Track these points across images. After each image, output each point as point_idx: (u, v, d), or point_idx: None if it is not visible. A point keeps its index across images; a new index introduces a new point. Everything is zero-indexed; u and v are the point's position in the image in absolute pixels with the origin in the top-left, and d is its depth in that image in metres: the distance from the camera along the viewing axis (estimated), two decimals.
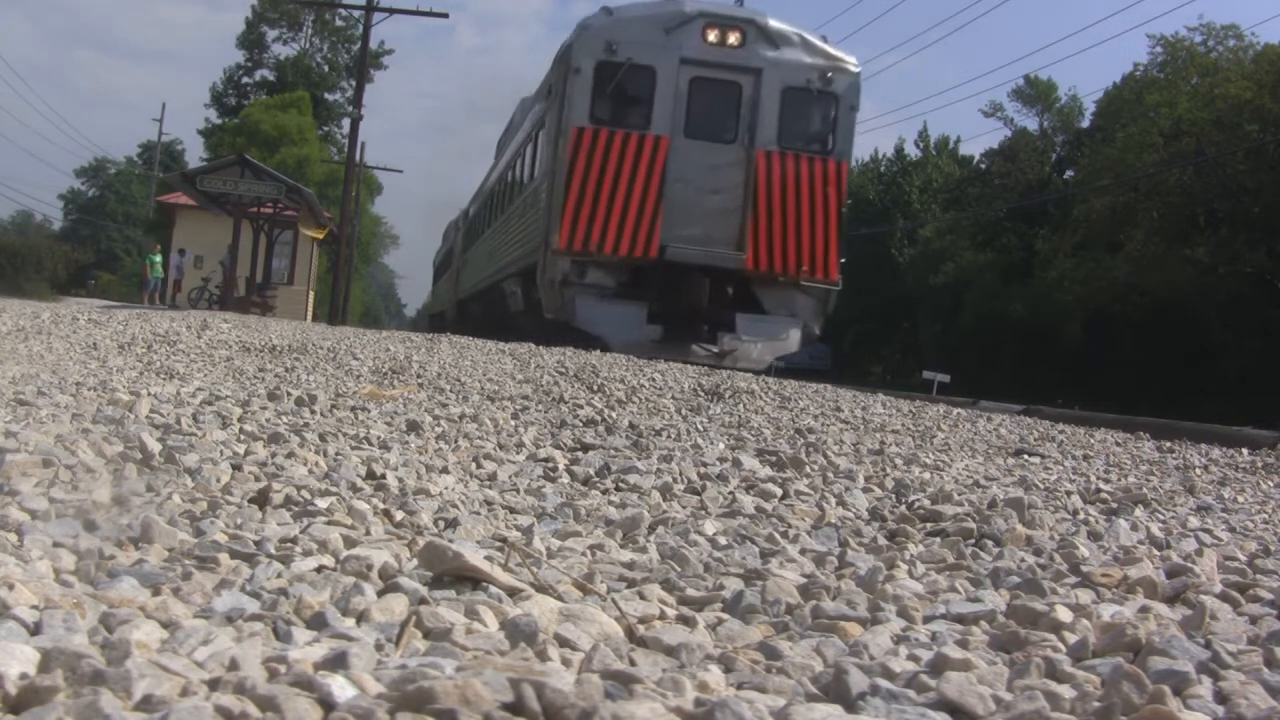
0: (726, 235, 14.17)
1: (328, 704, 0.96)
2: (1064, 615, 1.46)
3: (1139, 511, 2.68)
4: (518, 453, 3.01)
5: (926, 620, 1.50)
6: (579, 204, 13.92)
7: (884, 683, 1.14)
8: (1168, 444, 4.93)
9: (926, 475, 3.11)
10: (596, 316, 13.71)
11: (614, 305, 13.86)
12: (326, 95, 56.02)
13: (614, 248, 13.83)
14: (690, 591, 1.60)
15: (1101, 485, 3.14)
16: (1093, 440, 4.84)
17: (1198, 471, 3.87)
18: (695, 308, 13.97)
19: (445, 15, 26.71)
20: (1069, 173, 42.65)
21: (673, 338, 13.76)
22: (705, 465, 2.97)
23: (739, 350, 13.80)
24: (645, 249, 13.80)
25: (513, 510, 2.21)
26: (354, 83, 32.03)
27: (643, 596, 1.55)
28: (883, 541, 2.14)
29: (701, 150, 14.28)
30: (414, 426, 3.32)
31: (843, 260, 14.66)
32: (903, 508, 2.45)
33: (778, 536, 2.09)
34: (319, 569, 1.54)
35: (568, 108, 14.28)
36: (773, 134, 14.32)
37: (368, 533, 1.83)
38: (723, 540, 2.03)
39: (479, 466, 2.72)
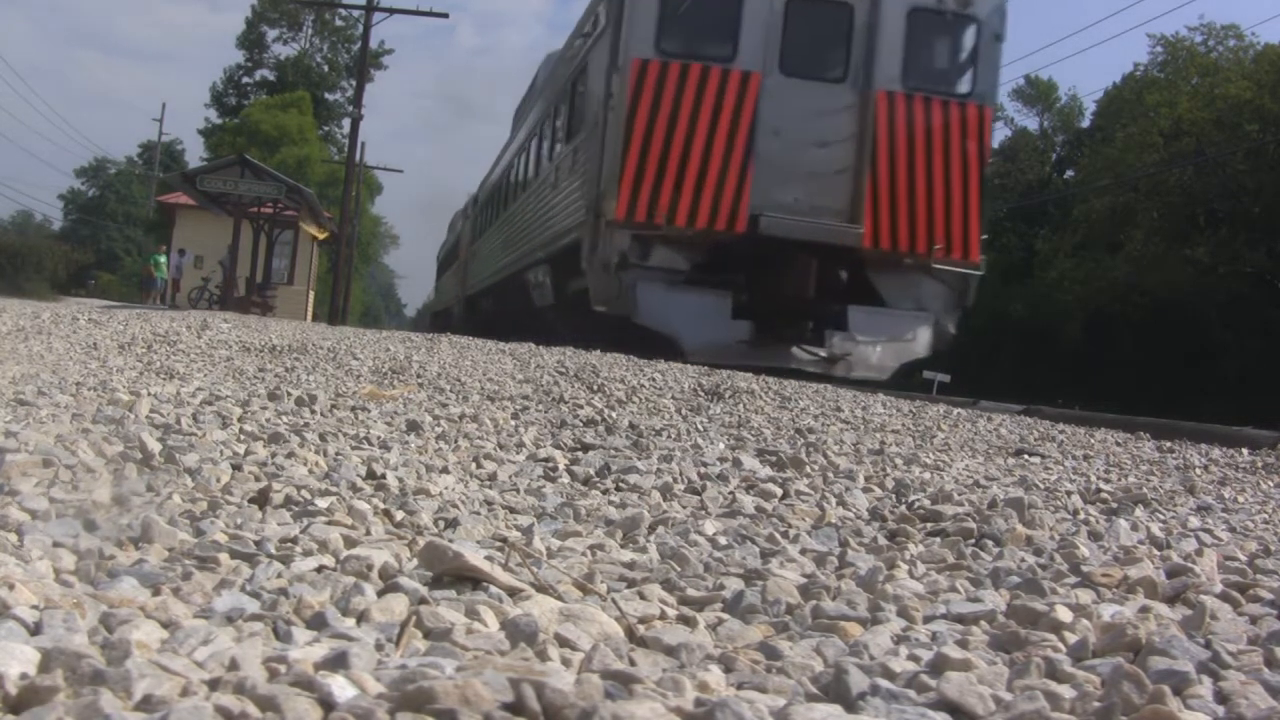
0: (836, 202, 10.86)
1: (328, 704, 0.96)
2: (1064, 615, 1.46)
3: (1139, 511, 2.68)
4: (518, 453, 3.01)
5: (926, 620, 1.50)
6: (642, 162, 10.50)
7: (884, 683, 1.14)
8: (1168, 444, 4.93)
9: (926, 475, 3.11)
10: (666, 309, 10.41)
11: (688, 295, 10.49)
12: (326, 95, 56.04)
13: (689, 218, 10.50)
14: (690, 591, 1.60)
15: (1101, 485, 3.14)
16: (1093, 440, 4.84)
17: (1198, 471, 3.87)
18: (797, 298, 10.61)
19: (445, 15, 26.74)
20: (1069, 173, 42.67)
21: (766, 338, 10.55)
22: (705, 465, 2.97)
23: (854, 355, 10.66)
24: (730, 220, 10.49)
25: (513, 510, 2.21)
26: (354, 83, 32.04)
27: (643, 596, 1.55)
28: (883, 541, 2.14)
29: (803, 91, 10.88)
30: (414, 426, 3.32)
31: (984, 237, 11.30)
32: (903, 508, 2.45)
33: (778, 536, 2.09)
34: (319, 569, 1.54)
35: (626, 36, 10.78)
36: (895, 70, 10.95)
37: (368, 533, 1.83)
38: (723, 540, 2.03)
39: (479, 466, 2.72)
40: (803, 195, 10.82)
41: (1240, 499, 3.14)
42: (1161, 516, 2.65)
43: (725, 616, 1.49)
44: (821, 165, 10.90)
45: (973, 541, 2.13)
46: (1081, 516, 2.55)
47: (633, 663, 1.22)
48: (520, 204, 17.95)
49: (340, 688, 0.98)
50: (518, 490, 2.43)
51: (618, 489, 2.56)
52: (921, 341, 11.11)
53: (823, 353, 10.68)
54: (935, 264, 10.99)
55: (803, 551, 1.95)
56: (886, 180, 10.80)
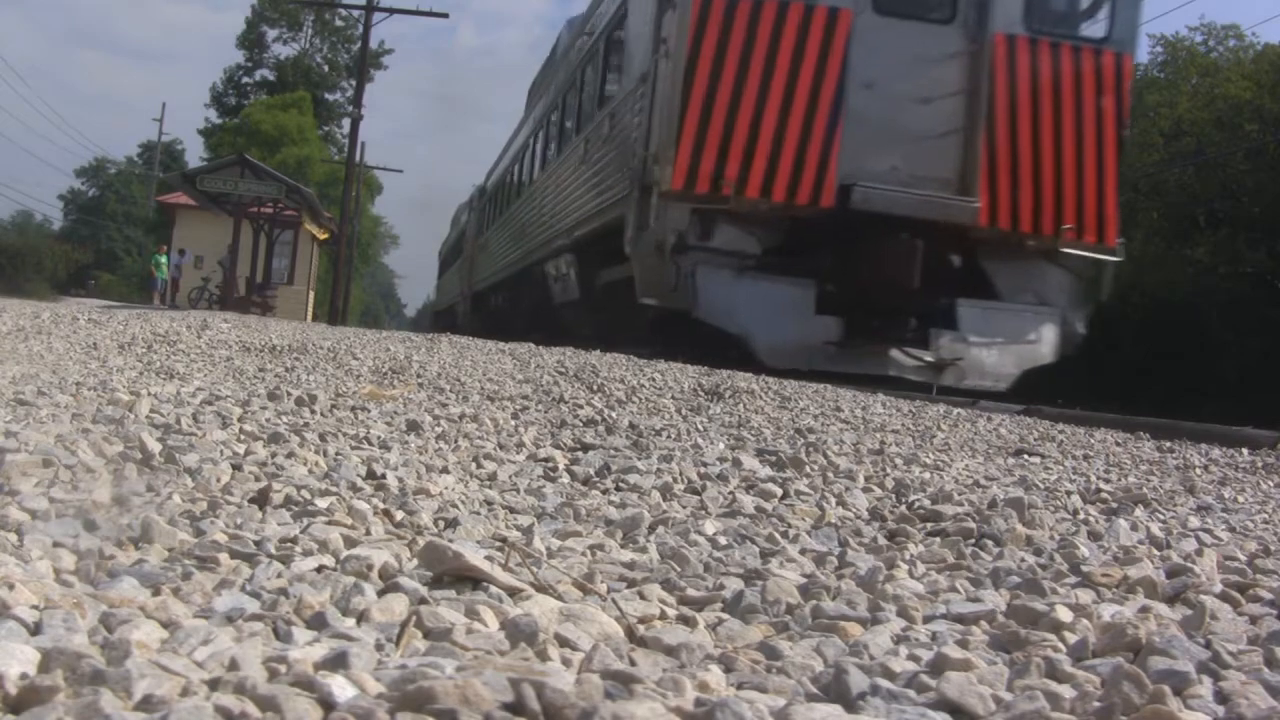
0: (942, 171, 8.96)
1: (328, 704, 0.96)
2: (1064, 615, 1.46)
3: (1139, 511, 2.68)
4: (518, 453, 3.01)
5: (926, 620, 1.50)
6: (705, 118, 8.57)
7: (884, 683, 1.14)
8: (1168, 444, 4.92)
9: (926, 475, 3.11)
10: (734, 302, 8.54)
11: (762, 284, 8.62)
12: (326, 95, 56.09)
13: (762, 189, 8.56)
14: (690, 591, 1.60)
15: (1101, 485, 3.14)
16: (1093, 440, 4.84)
17: (1198, 471, 3.87)
18: (900, 288, 8.68)
19: (445, 15, 26.82)
20: None
21: (859, 339, 8.78)
22: (705, 465, 2.97)
23: (967, 359, 8.86)
24: (814, 192, 8.59)
25: (513, 510, 2.21)
26: (354, 83, 32.05)
27: (643, 596, 1.55)
28: (883, 541, 2.14)
29: (902, 34, 8.99)
30: (414, 426, 3.32)
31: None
32: (903, 507, 2.45)
33: (778, 536, 2.09)
34: (319, 569, 1.54)
35: None
36: (1016, 10, 9.03)
37: (368, 533, 1.83)
38: (723, 540, 2.03)
39: (479, 466, 2.72)
40: (902, 162, 8.85)
41: (1240, 499, 3.13)
42: (1161, 516, 2.65)
43: (725, 616, 1.49)
44: (924, 125, 8.93)
45: (973, 541, 2.13)
46: (1081, 516, 2.55)
47: (633, 663, 1.21)
48: (538, 187, 15.55)
49: (340, 688, 0.98)
50: (518, 490, 2.43)
51: (618, 489, 2.56)
52: (1046, 344, 9.23)
53: (929, 357, 8.80)
54: (1064, 247, 9.13)
55: (803, 551, 1.95)
56: (1006, 145, 8.85)
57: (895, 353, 8.95)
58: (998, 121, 8.90)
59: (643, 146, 9.37)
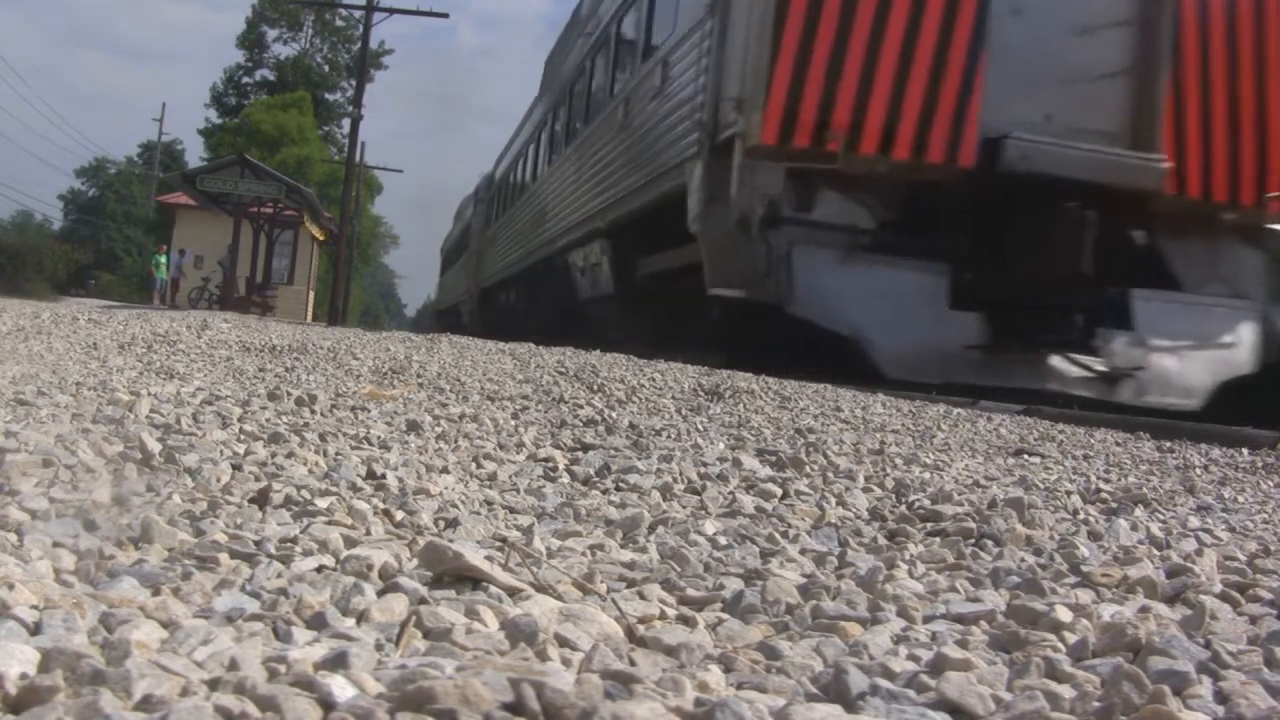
0: (1108, 122, 7.03)
1: (328, 704, 0.96)
2: (1064, 615, 1.46)
3: (1139, 511, 2.68)
4: (518, 453, 3.01)
5: (926, 620, 1.50)
6: (805, 49, 6.58)
7: (884, 683, 1.14)
8: (1168, 444, 4.92)
9: (926, 475, 3.11)
10: (842, 293, 6.62)
11: (879, 270, 6.69)
12: (326, 95, 56.09)
13: (881, 144, 6.72)
14: (690, 591, 1.60)
15: (1101, 485, 3.14)
16: (1093, 440, 4.84)
17: (1198, 471, 3.87)
18: (1066, 275, 6.82)
19: (445, 15, 26.80)
20: None
21: (1008, 342, 6.85)
22: (705, 465, 2.97)
23: (1149, 369, 6.91)
24: (949, 147, 6.74)
25: (513, 510, 2.21)
26: (354, 83, 32.05)
27: (643, 596, 1.55)
28: (883, 541, 2.14)
29: None
30: (414, 426, 3.32)
31: None
32: (903, 507, 2.45)
33: (778, 536, 2.09)
34: (319, 569, 1.54)
35: None
36: None
37: (368, 533, 1.83)
38: (723, 540, 2.03)
39: (479, 466, 2.72)
40: (1058, 110, 6.91)
41: (1240, 499, 3.13)
42: (1161, 516, 2.65)
43: (725, 616, 1.49)
44: (1085, 64, 7.01)
45: (972, 541, 2.13)
46: (1081, 516, 2.55)
47: (633, 663, 1.22)
48: (560, 167, 13.22)
49: (340, 688, 0.98)
50: (518, 490, 2.43)
51: (618, 489, 2.56)
52: (1245, 348, 7.18)
53: (1100, 366, 6.90)
54: (1269, 224, 7.25)
55: (802, 551, 1.95)
56: (1195, 88, 6.94)
57: (1056, 360, 7.06)
58: (1185, 58, 6.97)
59: (714, 93, 7.28)
